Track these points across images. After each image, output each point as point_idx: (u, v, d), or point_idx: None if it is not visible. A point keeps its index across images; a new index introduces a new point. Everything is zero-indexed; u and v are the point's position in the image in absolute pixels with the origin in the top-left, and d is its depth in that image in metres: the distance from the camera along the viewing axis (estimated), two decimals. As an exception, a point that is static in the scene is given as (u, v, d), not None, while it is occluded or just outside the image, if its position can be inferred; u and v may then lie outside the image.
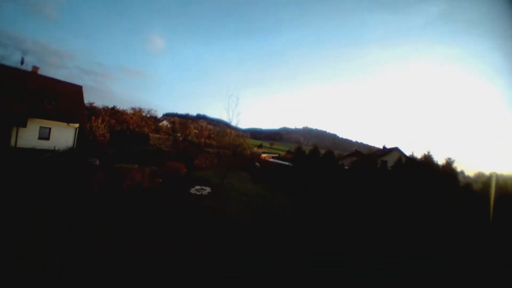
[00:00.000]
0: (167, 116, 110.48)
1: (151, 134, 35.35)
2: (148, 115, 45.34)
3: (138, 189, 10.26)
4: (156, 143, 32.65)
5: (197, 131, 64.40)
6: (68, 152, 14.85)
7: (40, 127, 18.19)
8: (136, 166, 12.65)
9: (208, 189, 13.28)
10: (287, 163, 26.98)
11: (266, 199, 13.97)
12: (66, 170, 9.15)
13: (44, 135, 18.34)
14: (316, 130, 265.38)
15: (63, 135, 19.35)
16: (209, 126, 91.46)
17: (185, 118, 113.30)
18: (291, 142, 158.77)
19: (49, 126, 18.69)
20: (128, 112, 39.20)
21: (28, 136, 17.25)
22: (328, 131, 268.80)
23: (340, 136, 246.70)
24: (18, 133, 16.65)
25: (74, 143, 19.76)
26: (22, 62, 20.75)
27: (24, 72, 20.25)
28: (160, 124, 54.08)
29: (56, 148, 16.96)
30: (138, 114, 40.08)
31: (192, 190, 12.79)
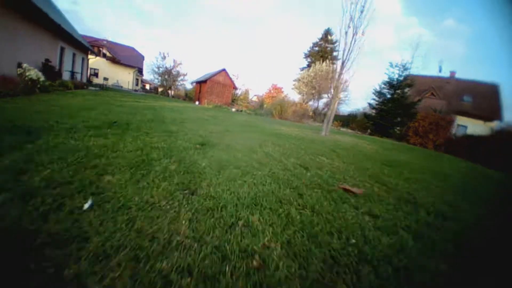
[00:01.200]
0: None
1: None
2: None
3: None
4: None
5: None
6: None
7: (458, 125, 18.00)
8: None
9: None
10: None
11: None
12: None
13: (461, 131, 17.79)
14: None
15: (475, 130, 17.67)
16: None
17: None
18: None
19: (466, 124, 18.03)
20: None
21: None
22: None
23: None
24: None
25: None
26: (440, 70, 22.77)
27: (441, 78, 21.92)
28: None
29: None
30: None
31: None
